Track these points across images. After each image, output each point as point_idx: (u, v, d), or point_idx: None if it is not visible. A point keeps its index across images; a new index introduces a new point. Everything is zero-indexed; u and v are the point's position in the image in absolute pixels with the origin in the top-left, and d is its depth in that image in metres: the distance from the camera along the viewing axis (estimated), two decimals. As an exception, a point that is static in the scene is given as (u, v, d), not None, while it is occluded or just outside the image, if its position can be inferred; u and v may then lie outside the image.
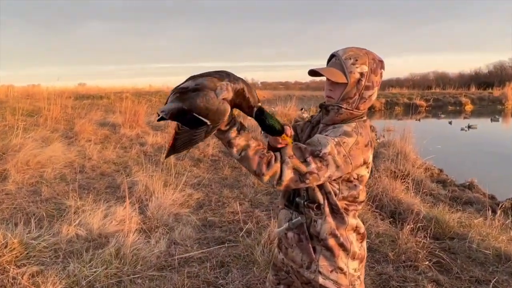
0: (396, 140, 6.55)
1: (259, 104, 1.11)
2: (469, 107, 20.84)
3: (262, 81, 45.97)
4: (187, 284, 2.35)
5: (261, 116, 1.11)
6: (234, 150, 1.08)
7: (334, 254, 1.22)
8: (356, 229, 1.26)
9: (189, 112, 1.01)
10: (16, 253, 2.51)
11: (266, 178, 1.07)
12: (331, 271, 1.22)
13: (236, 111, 1.12)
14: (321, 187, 1.19)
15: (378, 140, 7.44)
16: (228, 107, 1.03)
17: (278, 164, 1.07)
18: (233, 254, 2.76)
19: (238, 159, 1.10)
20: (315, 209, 1.21)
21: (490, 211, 3.51)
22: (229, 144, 1.09)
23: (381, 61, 1.22)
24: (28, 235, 2.73)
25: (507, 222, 3.47)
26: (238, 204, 3.69)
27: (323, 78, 1.24)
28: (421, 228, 3.07)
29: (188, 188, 4.28)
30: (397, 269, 2.63)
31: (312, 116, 1.41)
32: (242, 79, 1.08)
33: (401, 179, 4.31)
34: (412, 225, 3.07)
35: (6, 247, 2.51)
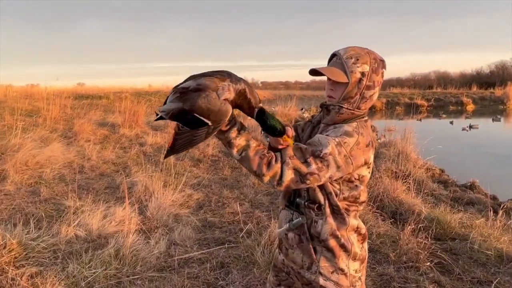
0: (397, 140, 6.55)
1: (260, 104, 1.10)
2: (470, 107, 20.82)
3: (262, 80, 46.17)
4: (187, 285, 2.34)
5: (263, 117, 1.09)
6: (234, 150, 1.07)
7: (335, 255, 1.21)
8: (357, 230, 1.25)
9: (190, 113, 1.00)
10: (15, 254, 2.50)
11: (266, 178, 1.06)
12: (332, 272, 1.21)
13: (236, 111, 1.11)
14: (322, 187, 1.18)
15: (379, 140, 7.43)
16: (230, 108, 1.02)
17: (279, 165, 1.06)
18: (233, 255, 2.74)
19: (238, 159, 1.09)
20: (315, 210, 1.20)
21: (491, 212, 3.49)
22: (229, 144, 1.08)
23: (382, 61, 1.21)
24: (27, 235, 2.72)
25: (508, 222, 3.44)
26: (238, 205, 3.68)
27: (324, 78, 1.23)
28: (422, 228, 3.06)
29: (188, 188, 4.27)
30: (398, 270, 2.62)
31: (313, 116, 1.40)
32: (243, 79, 1.07)
33: (402, 179, 4.30)
34: (413, 226, 3.06)
35: (5, 248, 2.50)
